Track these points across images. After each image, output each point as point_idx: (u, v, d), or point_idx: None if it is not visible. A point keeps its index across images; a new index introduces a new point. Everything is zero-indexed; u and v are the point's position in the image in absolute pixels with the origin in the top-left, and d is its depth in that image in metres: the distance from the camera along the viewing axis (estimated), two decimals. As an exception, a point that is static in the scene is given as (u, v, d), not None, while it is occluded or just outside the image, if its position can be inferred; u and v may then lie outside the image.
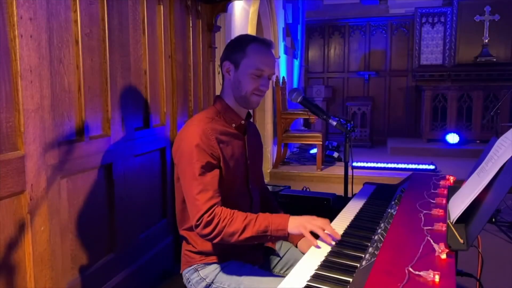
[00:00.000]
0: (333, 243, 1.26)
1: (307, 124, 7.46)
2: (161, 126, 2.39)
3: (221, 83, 1.55)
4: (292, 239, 1.58)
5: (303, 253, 1.39)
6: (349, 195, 2.00)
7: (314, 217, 1.33)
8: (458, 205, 1.30)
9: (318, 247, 1.26)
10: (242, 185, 1.53)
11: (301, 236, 1.59)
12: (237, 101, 1.48)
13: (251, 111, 1.59)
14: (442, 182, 1.76)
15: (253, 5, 4.71)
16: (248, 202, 1.55)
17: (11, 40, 1.34)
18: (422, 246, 1.11)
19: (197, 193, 1.32)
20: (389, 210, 1.49)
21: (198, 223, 1.31)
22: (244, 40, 1.46)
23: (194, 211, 1.33)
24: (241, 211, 1.34)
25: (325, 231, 1.29)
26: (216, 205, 1.32)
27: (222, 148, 1.41)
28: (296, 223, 1.30)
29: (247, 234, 1.30)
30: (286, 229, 1.30)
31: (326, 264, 1.13)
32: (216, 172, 1.37)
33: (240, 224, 1.30)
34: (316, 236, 1.30)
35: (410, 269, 0.98)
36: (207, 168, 1.35)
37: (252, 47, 1.43)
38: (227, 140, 1.45)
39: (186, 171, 1.36)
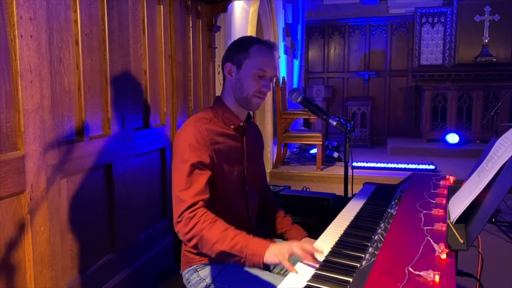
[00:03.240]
0: (314, 261, 1.14)
1: (307, 124, 7.47)
2: (161, 126, 2.39)
3: (221, 84, 1.55)
4: (291, 239, 1.57)
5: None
6: (349, 195, 2.00)
7: (295, 241, 1.22)
8: (458, 205, 1.30)
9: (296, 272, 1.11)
10: (238, 187, 1.52)
11: (301, 236, 1.59)
12: (238, 103, 1.48)
13: (251, 112, 1.59)
14: (442, 182, 1.76)
15: (253, 5, 4.70)
16: (244, 203, 1.55)
17: (11, 40, 1.34)
18: (422, 246, 1.10)
19: (182, 189, 1.30)
20: (389, 210, 1.49)
21: (179, 219, 1.28)
22: (247, 41, 1.46)
23: (178, 207, 1.30)
24: (224, 221, 1.28)
25: (305, 249, 1.16)
26: (200, 202, 1.29)
27: (216, 149, 1.41)
28: (275, 252, 1.18)
29: (220, 247, 1.22)
30: (261, 258, 1.19)
31: (326, 264, 1.13)
32: (206, 172, 1.36)
33: (217, 233, 1.23)
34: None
35: (410, 269, 0.98)
36: (197, 167, 1.34)
37: (255, 48, 1.43)
38: (223, 142, 1.45)
39: (176, 169, 1.36)
